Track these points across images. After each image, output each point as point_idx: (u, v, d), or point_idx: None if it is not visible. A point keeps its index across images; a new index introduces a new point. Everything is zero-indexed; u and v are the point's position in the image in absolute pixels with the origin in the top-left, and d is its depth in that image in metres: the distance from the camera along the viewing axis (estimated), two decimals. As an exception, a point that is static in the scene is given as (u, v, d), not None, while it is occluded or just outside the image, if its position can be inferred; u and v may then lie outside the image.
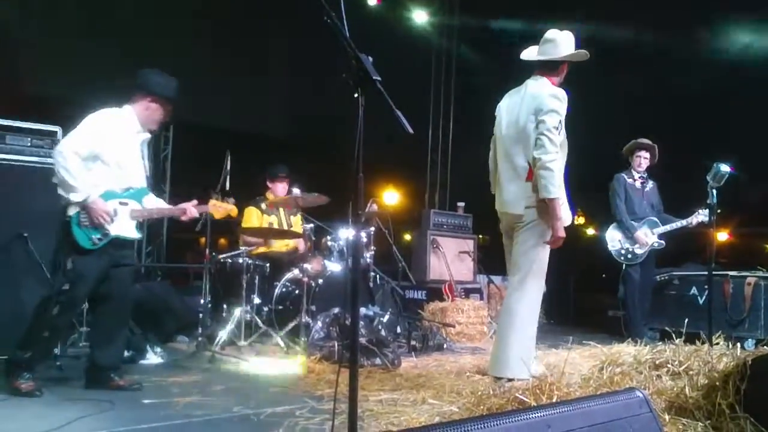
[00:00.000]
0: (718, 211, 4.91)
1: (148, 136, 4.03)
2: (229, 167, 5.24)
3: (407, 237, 8.56)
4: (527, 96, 4.12)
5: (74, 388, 3.77)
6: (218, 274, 5.85)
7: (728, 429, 2.60)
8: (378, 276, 6.55)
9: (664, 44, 8.47)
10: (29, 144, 4.61)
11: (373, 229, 6.21)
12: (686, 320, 4.47)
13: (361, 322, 4.81)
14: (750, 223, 10.48)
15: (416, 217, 8.41)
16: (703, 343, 3.80)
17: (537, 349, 4.32)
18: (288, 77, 10.35)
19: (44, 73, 7.37)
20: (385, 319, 5.49)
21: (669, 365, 3.47)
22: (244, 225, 6.08)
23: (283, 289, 5.69)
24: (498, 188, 4.27)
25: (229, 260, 5.67)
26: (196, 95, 6.49)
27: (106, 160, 3.74)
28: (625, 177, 6.47)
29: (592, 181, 7.38)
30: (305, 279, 5.29)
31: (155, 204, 4.06)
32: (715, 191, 4.82)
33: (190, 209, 4.06)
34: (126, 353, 4.36)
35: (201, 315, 5.38)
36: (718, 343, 3.93)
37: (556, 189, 3.88)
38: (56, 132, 4.69)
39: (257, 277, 5.61)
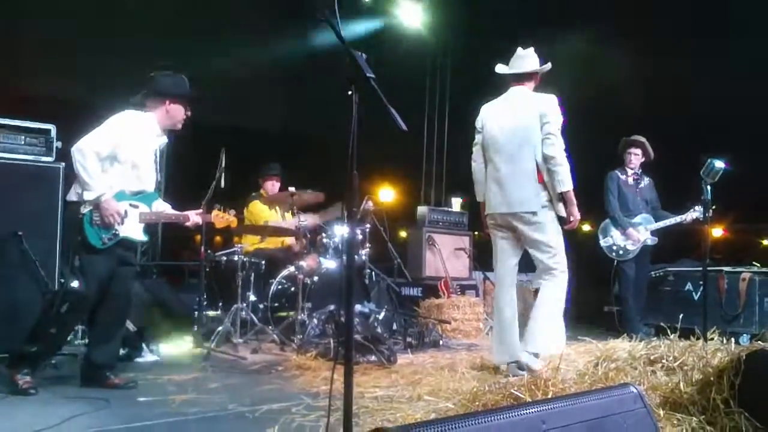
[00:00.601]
0: (713, 207, 4.91)
1: (166, 140, 4.11)
2: (224, 164, 5.23)
3: (403, 234, 8.53)
4: (525, 102, 4.44)
5: (70, 387, 3.77)
6: (214, 271, 5.86)
7: (723, 424, 2.61)
8: (374, 273, 6.55)
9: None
10: (23, 142, 4.60)
11: (368, 226, 6.21)
12: (681, 316, 4.48)
13: (357, 319, 4.81)
14: (745, 219, 10.49)
15: (412, 214, 8.40)
16: (697, 338, 3.80)
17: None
18: (284, 75, 10.31)
19: (39, 71, 7.32)
20: (381, 315, 5.49)
21: (664, 361, 3.47)
22: (257, 218, 6.19)
23: (279, 287, 5.69)
24: (501, 191, 4.44)
25: (225, 258, 5.68)
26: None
27: (122, 161, 3.80)
28: (619, 174, 6.49)
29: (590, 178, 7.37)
30: (300, 276, 5.29)
31: (162, 209, 4.11)
32: (709, 187, 4.84)
33: (194, 217, 4.15)
34: (121, 351, 4.36)
35: (196, 313, 5.38)
36: (712, 339, 3.94)
37: (570, 181, 4.33)
38: (50, 130, 4.68)
39: (252, 275, 5.62)
